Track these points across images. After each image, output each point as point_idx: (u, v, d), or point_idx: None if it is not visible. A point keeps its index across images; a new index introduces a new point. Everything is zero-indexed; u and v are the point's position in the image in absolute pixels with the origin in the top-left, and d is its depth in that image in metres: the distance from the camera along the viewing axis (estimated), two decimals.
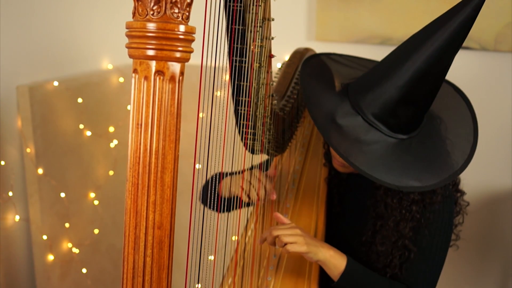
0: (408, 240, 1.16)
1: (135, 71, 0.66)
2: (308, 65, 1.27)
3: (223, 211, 1.24)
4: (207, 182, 1.38)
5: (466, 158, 1.12)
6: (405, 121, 1.10)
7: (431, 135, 1.15)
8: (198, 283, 0.92)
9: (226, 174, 1.29)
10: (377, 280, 1.15)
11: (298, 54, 1.42)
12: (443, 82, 1.24)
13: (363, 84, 1.15)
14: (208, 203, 1.33)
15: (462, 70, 1.84)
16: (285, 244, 1.08)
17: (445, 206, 1.18)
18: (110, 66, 2.04)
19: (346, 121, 1.13)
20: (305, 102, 1.24)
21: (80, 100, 1.82)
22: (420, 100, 1.09)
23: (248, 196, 1.22)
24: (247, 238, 1.26)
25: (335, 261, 1.12)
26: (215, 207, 1.27)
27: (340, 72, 1.27)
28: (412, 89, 1.05)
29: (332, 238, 1.31)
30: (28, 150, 1.64)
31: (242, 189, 1.21)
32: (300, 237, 1.09)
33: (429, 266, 1.17)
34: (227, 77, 1.03)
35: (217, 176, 1.31)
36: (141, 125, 0.66)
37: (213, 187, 1.33)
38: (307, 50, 1.45)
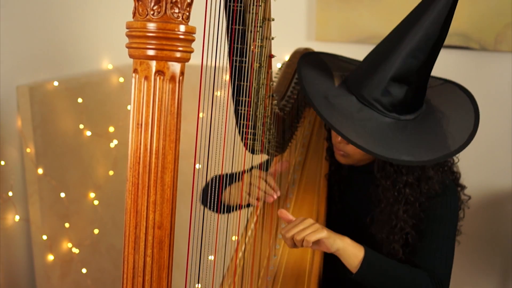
0: (404, 222, 1.16)
1: (135, 71, 0.66)
2: (307, 57, 1.31)
3: (224, 213, 1.24)
4: (207, 184, 1.39)
5: (463, 143, 1.12)
6: (399, 100, 1.12)
7: (429, 122, 1.17)
8: (198, 283, 0.92)
9: (227, 176, 1.29)
10: (398, 268, 1.12)
11: (298, 54, 1.42)
12: (449, 83, 1.27)
13: (358, 73, 1.18)
14: (209, 205, 1.33)
15: (462, 70, 1.84)
16: (303, 239, 1.05)
17: (449, 193, 1.20)
18: (110, 66, 2.04)
19: (339, 100, 1.15)
20: (298, 81, 1.25)
21: (80, 100, 1.82)
22: (412, 78, 1.10)
23: (257, 198, 1.22)
24: (247, 238, 1.26)
25: (353, 249, 1.09)
26: (216, 209, 1.27)
27: (337, 66, 1.30)
28: (403, 66, 1.08)
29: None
30: (28, 150, 1.64)
31: (247, 194, 1.21)
32: (315, 225, 1.07)
33: (442, 251, 1.16)
34: (227, 77, 1.03)
35: (217, 178, 1.31)
36: (141, 125, 0.66)
37: (213, 189, 1.33)
38: (307, 50, 1.45)
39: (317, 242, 1.07)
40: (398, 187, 1.17)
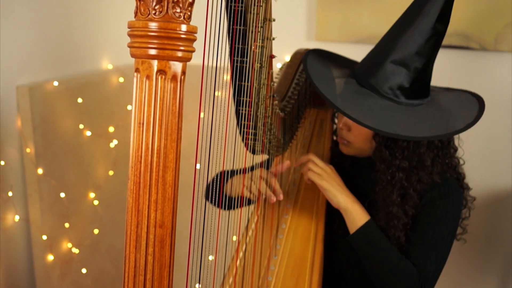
0: (398, 207, 1.19)
1: (137, 70, 0.66)
2: (314, 50, 1.37)
3: (226, 209, 1.25)
4: (212, 179, 1.39)
5: (457, 130, 1.16)
6: (398, 84, 1.15)
7: (429, 111, 1.20)
8: (198, 283, 0.92)
9: (231, 172, 1.30)
10: (391, 249, 1.17)
11: (299, 55, 1.42)
12: (464, 91, 1.30)
13: (360, 63, 1.26)
14: (212, 200, 1.34)
15: (462, 70, 1.84)
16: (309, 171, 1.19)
17: (452, 194, 1.21)
18: (110, 66, 2.04)
19: (339, 80, 1.23)
20: (303, 67, 1.31)
21: (80, 100, 1.82)
22: (411, 61, 1.14)
23: (257, 198, 1.23)
24: (248, 238, 1.26)
25: (357, 215, 1.17)
26: (218, 204, 1.28)
27: (341, 60, 1.38)
28: (402, 49, 1.13)
29: (338, 228, 1.32)
30: (28, 150, 1.64)
31: (246, 187, 1.22)
32: (326, 174, 1.20)
33: (435, 250, 1.17)
34: (227, 77, 1.03)
35: (222, 174, 1.32)
36: (142, 124, 0.66)
37: (217, 184, 1.34)
38: (307, 51, 1.45)
39: (320, 187, 1.20)
40: (392, 171, 1.19)
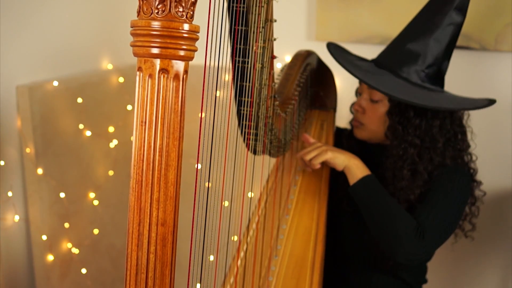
0: (406, 181, 1.23)
1: (139, 69, 0.66)
2: (332, 43, 1.45)
3: None
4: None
5: (467, 107, 1.26)
6: (413, 67, 1.24)
7: (442, 94, 1.27)
8: (199, 283, 0.92)
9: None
10: (391, 200, 1.21)
11: (300, 57, 1.42)
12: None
13: (382, 53, 1.35)
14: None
15: (462, 70, 1.84)
16: (311, 160, 1.27)
17: (460, 173, 1.26)
18: (110, 66, 2.04)
19: (360, 63, 1.33)
20: (328, 51, 1.39)
21: (80, 100, 1.82)
22: (426, 46, 1.23)
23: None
24: (248, 238, 1.26)
25: (357, 170, 1.25)
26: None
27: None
28: (419, 34, 1.23)
29: (346, 206, 1.37)
30: (27, 150, 1.64)
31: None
32: (321, 148, 1.27)
33: (438, 214, 1.19)
34: (227, 77, 1.04)
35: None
36: (145, 122, 0.66)
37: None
38: (308, 52, 1.45)
39: (326, 162, 1.28)
40: (404, 146, 1.25)
